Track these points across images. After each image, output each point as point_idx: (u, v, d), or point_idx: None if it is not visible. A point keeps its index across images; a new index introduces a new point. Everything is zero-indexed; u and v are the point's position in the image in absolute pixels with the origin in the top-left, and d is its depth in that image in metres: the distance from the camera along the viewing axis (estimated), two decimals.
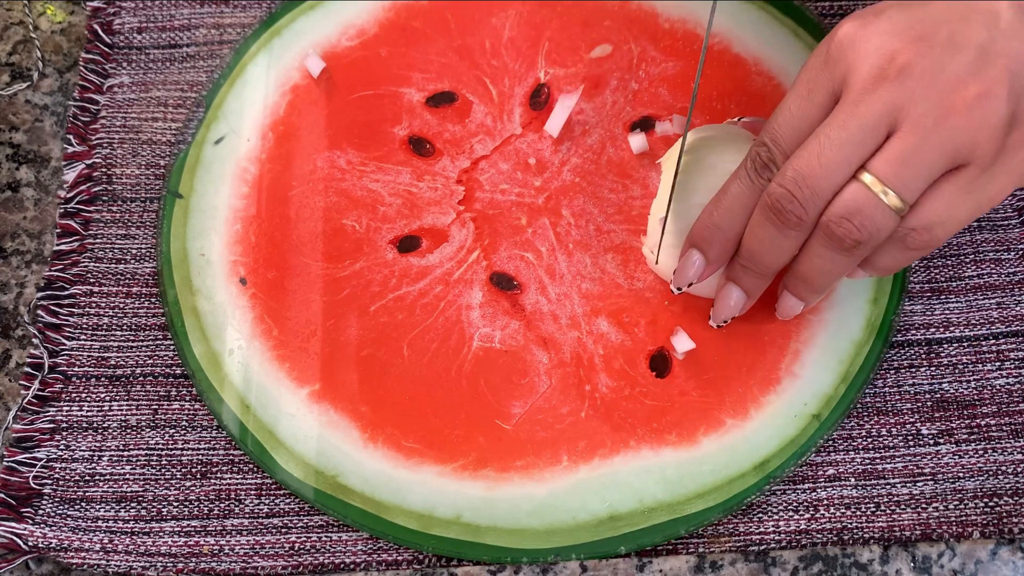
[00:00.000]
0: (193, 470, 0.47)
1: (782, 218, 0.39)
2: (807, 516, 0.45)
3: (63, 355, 0.49)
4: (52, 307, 0.50)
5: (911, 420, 0.47)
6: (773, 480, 0.46)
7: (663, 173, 0.49)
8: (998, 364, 0.48)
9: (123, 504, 0.47)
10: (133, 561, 0.45)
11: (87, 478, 0.47)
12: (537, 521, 0.46)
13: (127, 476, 0.47)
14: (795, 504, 0.46)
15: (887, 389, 0.48)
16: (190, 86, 0.54)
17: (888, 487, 0.46)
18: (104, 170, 0.53)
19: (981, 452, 0.46)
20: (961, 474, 0.46)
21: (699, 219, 0.44)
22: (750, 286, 0.45)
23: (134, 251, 0.51)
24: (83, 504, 0.46)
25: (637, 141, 0.51)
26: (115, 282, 0.51)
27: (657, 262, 0.48)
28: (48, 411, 0.48)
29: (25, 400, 0.48)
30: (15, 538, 0.45)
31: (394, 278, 0.50)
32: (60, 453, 0.47)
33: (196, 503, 0.47)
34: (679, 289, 0.46)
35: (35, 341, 0.49)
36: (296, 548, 0.46)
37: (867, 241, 0.38)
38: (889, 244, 0.39)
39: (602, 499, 0.46)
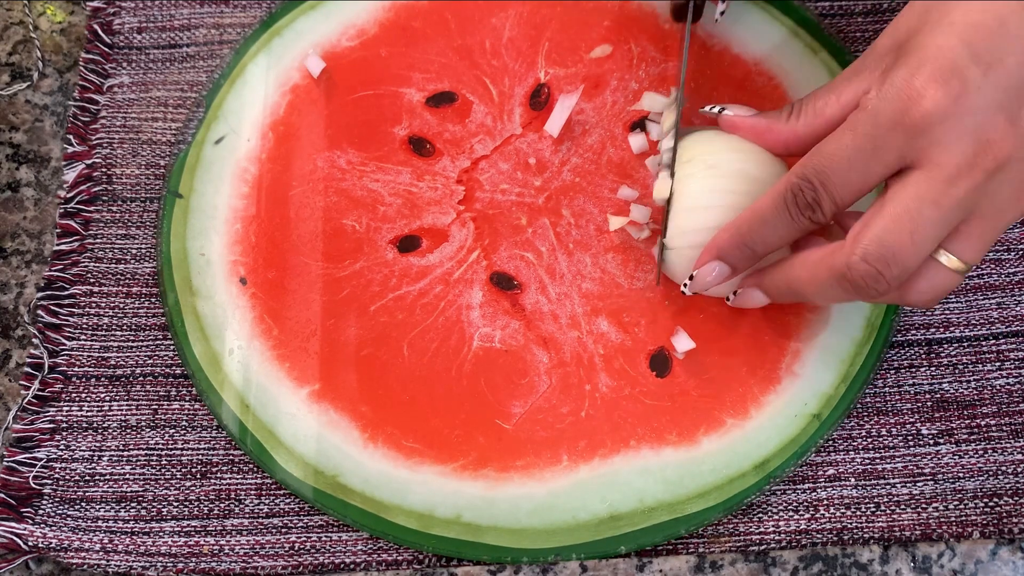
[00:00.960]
0: (193, 470, 0.47)
1: (862, 292, 0.40)
2: (807, 516, 0.45)
3: (63, 355, 0.49)
4: (52, 307, 0.50)
5: (911, 420, 0.47)
6: (773, 480, 0.46)
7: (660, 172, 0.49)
8: (998, 364, 0.48)
9: (123, 504, 0.47)
10: (133, 561, 0.45)
11: (87, 478, 0.47)
12: (537, 521, 0.46)
13: (127, 476, 0.47)
14: (795, 504, 0.46)
15: (887, 389, 0.48)
16: (190, 86, 0.54)
17: (888, 487, 0.46)
18: (104, 170, 0.53)
19: (981, 452, 0.46)
20: (961, 474, 0.46)
21: (728, 234, 0.43)
22: (779, 298, 0.45)
23: (134, 251, 0.51)
24: (83, 504, 0.46)
25: (637, 141, 0.52)
26: (115, 282, 0.51)
27: (662, 260, 0.47)
28: (48, 411, 0.48)
29: (25, 400, 0.48)
30: (15, 538, 0.45)
31: (394, 278, 0.50)
32: (60, 453, 0.47)
33: (196, 503, 0.47)
34: (694, 292, 0.46)
35: (35, 341, 0.49)
36: (296, 548, 0.46)
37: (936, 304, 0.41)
38: None
39: (602, 499, 0.46)
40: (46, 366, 0.49)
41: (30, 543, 0.45)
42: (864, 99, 0.39)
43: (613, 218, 0.50)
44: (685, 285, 0.46)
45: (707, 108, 0.47)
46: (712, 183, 0.45)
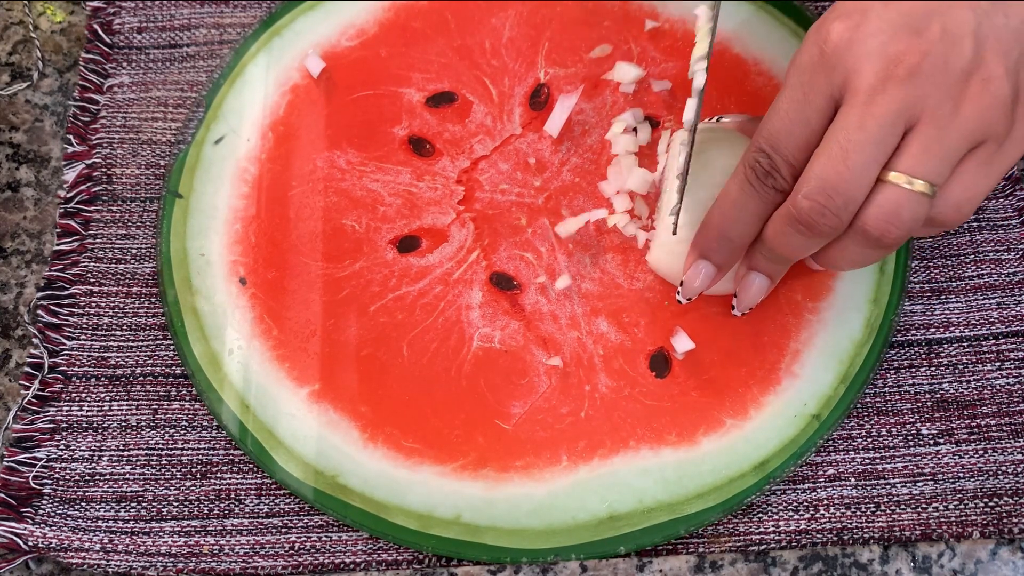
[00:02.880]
0: (193, 470, 0.47)
1: (815, 230, 0.39)
2: (807, 516, 0.45)
3: (63, 355, 0.49)
4: (52, 307, 0.50)
5: (911, 420, 0.47)
6: (773, 480, 0.46)
7: (661, 168, 0.49)
8: (998, 364, 0.48)
9: (123, 504, 0.47)
10: (133, 561, 0.45)
11: (87, 478, 0.47)
12: (537, 521, 0.46)
13: (127, 476, 0.47)
14: (795, 504, 0.46)
15: (887, 389, 0.48)
16: (190, 86, 0.54)
17: (888, 487, 0.46)
18: (104, 170, 0.53)
19: (981, 452, 0.46)
20: (961, 474, 0.46)
21: (703, 229, 0.44)
22: (771, 272, 0.45)
23: (134, 251, 0.51)
24: (83, 504, 0.47)
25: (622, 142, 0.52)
26: (115, 282, 0.51)
27: (670, 230, 0.47)
28: (48, 411, 0.48)
29: (25, 400, 0.48)
30: (15, 538, 0.45)
31: (394, 278, 0.50)
32: (60, 453, 0.47)
33: (196, 503, 0.47)
34: (688, 299, 0.46)
35: (35, 341, 0.49)
36: (296, 548, 0.46)
37: (906, 235, 0.39)
38: (921, 226, 0.40)
39: (602, 499, 0.46)
40: (46, 366, 0.49)
41: (30, 543, 0.45)
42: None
43: (612, 216, 0.50)
44: (678, 293, 0.46)
45: (709, 122, 0.49)
46: (708, 181, 0.45)
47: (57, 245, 0.51)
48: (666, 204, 0.46)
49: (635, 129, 0.51)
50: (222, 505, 0.47)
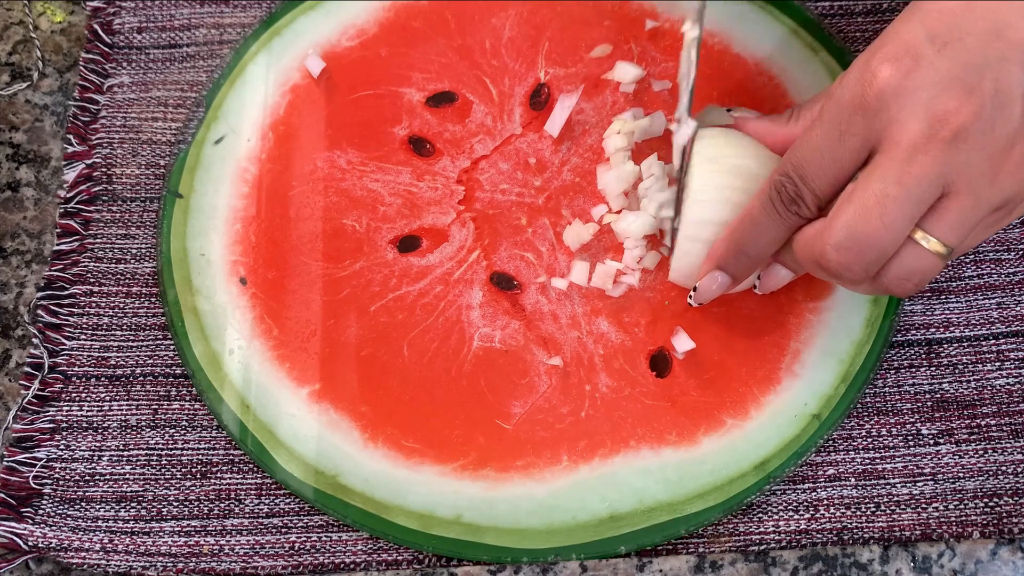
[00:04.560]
0: (193, 470, 0.47)
1: (840, 278, 0.39)
2: (807, 516, 0.45)
3: (63, 355, 0.49)
4: (52, 307, 0.50)
5: (911, 420, 0.47)
6: (773, 480, 0.46)
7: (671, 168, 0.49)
8: (998, 364, 0.48)
9: (123, 504, 0.47)
10: (133, 561, 0.45)
11: (87, 478, 0.47)
12: (537, 521, 0.46)
13: (127, 476, 0.47)
14: (795, 504, 0.46)
15: (887, 389, 0.48)
16: (190, 86, 0.54)
17: (888, 487, 0.46)
18: (104, 170, 0.53)
19: (981, 452, 0.46)
20: (961, 474, 0.46)
21: (723, 242, 0.44)
22: (796, 270, 0.45)
23: (134, 251, 0.51)
24: (83, 504, 0.46)
25: (608, 176, 0.51)
26: (115, 282, 0.51)
27: (685, 246, 0.47)
28: (48, 411, 0.48)
29: (25, 400, 0.48)
30: (15, 538, 0.45)
31: (394, 278, 0.50)
32: (60, 453, 0.47)
33: (196, 503, 0.47)
34: (700, 304, 0.46)
35: (35, 341, 0.49)
36: (296, 548, 0.46)
37: (918, 290, 0.39)
38: None
39: (602, 499, 0.46)
40: (46, 366, 0.49)
41: (30, 543, 0.45)
42: (831, 89, 0.39)
43: (611, 216, 0.50)
44: (690, 298, 0.46)
45: (721, 109, 0.48)
46: (710, 179, 0.45)
47: (57, 245, 0.51)
48: (684, 221, 0.46)
49: (633, 132, 0.51)
50: (222, 505, 0.47)
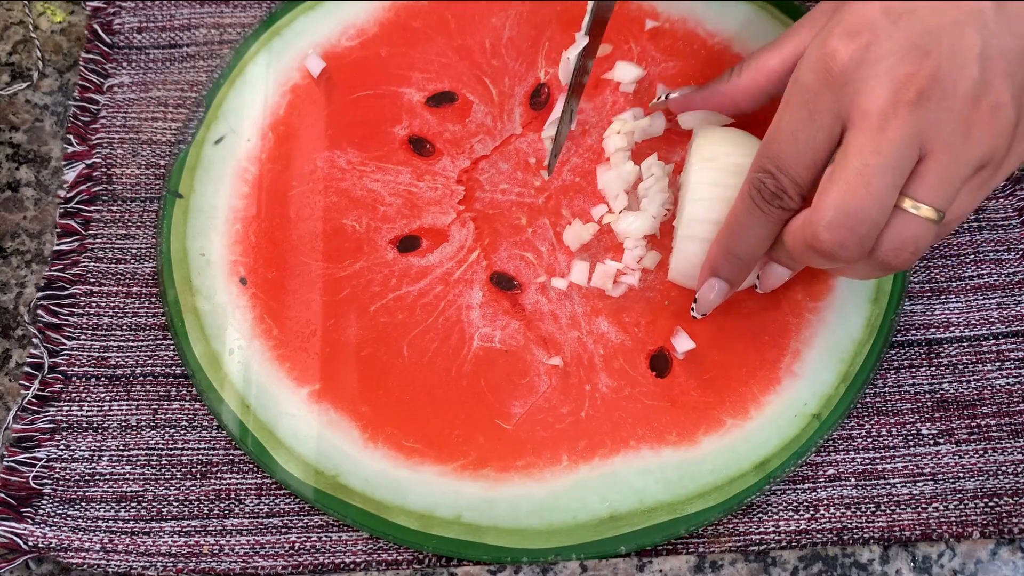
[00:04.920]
0: (193, 470, 0.47)
1: (835, 259, 0.39)
2: (807, 516, 0.45)
3: (63, 355, 0.49)
4: (52, 307, 0.50)
5: (911, 420, 0.47)
6: (773, 480, 0.46)
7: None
8: (998, 364, 0.48)
9: (123, 504, 0.47)
10: (133, 561, 0.45)
11: (87, 478, 0.47)
12: (537, 521, 0.46)
13: (127, 476, 0.47)
14: (795, 504, 0.46)
15: (887, 389, 0.48)
16: (190, 86, 0.54)
17: (888, 487, 0.46)
18: (104, 170, 0.53)
19: (981, 452, 0.46)
20: (961, 474, 0.46)
21: (715, 248, 0.44)
22: (792, 267, 0.45)
23: (134, 251, 0.51)
24: (83, 504, 0.46)
25: (607, 176, 0.51)
26: (115, 282, 0.51)
27: (685, 245, 0.47)
28: (48, 411, 0.48)
29: (25, 400, 0.48)
30: (15, 538, 0.45)
31: (394, 278, 0.50)
32: (60, 453, 0.47)
33: (196, 503, 0.47)
34: (703, 314, 0.46)
35: (35, 341, 0.49)
36: (296, 548, 0.46)
37: (915, 259, 0.39)
38: None
39: (602, 499, 0.46)
40: (46, 366, 0.49)
41: (30, 543, 0.45)
42: (794, 72, 0.40)
43: (610, 216, 0.50)
44: (693, 310, 0.46)
45: (655, 101, 0.49)
46: (706, 176, 0.45)
47: (57, 245, 0.51)
48: (682, 221, 0.46)
49: (633, 132, 0.51)
50: (222, 505, 0.47)
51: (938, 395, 0.47)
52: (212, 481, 0.47)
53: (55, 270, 0.51)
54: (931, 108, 0.37)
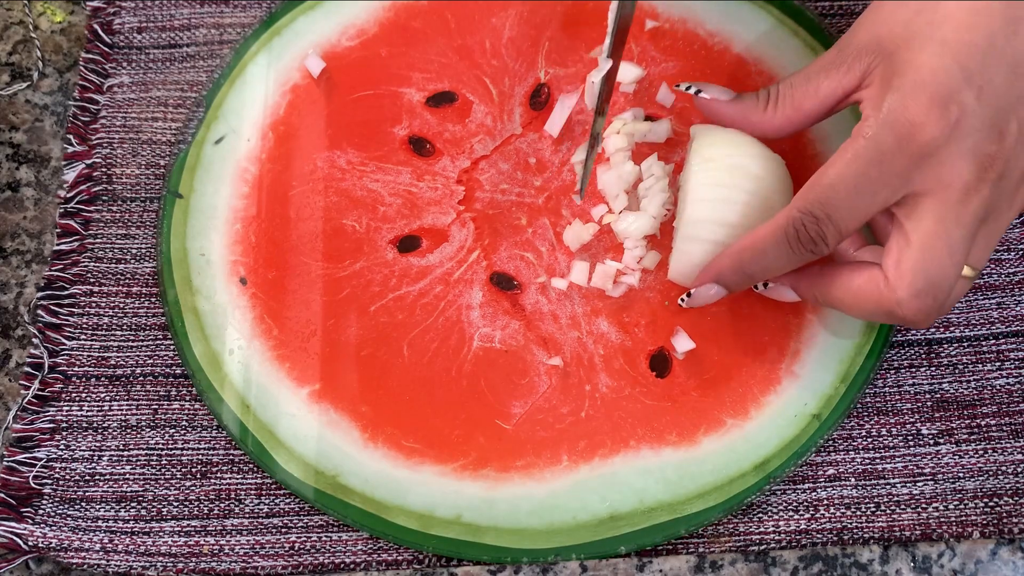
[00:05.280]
0: (193, 470, 0.47)
1: (916, 325, 0.41)
2: (807, 516, 0.45)
3: (63, 355, 0.49)
4: (52, 307, 0.50)
5: (911, 420, 0.47)
6: (773, 480, 0.46)
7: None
8: (998, 364, 0.48)
9: (123, 504, 0.47)
10: (133, 561, 0.45)
11: (87, 478, 0.47)
12: (537, 521, 0.46)
13: (127, 476, 0.47)
14: (795, 504, 0.46)
15: (887, 389, 0.48)
16: (190, 86, 0.54)
17: (888, 487, 0.46)
18: (104, 170, 0.53)
19: (981, 452, 0.46)
20: (961, 474, 0.46)
21: (727, 260, 0.44)
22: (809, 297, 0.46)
23: (134, 251, 0.51)
24: (83, 504, 0.46)
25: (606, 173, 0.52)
26: (115, 282, 0.51)
27: (685, 245, 0.47)
28: (48, 411, 0.48)
29: (25, 400, 0.48)
30: (15, 538, 0.45)
31: (394, 278, 0.50)
32: (60, 453, 0.47)
33: (196, 503, 0.47)
34: (690, 307, 0.47)
35: (35, 341, 0.49)
36: (296, 548, 0.46)
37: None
38: None
39: (602, 499, 0.46)
40: (46, 366, 0.49)
41: (30, 543, 0.45)
42: (862, 126, 0.39)
43: (611, 217, 0.50)
44: (682, 300, 0.46)
45: (682, 85, 0.47)
46: (706, 176, 0.45)
47: (57, 245, 0.51)
48: (682, 221, 0.46)
49: (631, 133, 0.51)
50: (222, 505, 0.47)
51: (938, 395, 0.47)
52: (212, 481, 0.47)
53: (55, 270, 0.51)
54: (1000, 186, 0.39)
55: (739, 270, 0.43)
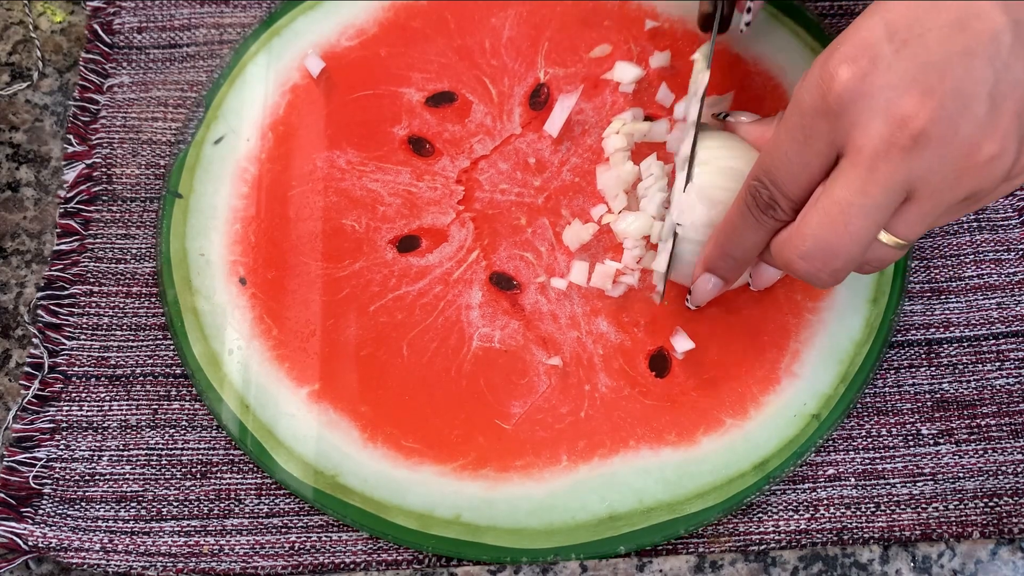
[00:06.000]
0: (193, 470, 0.47)
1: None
2: (807, 516, 0.45)
3: (63, 355, 0.49)
4: (52, 307, 0.50)
5: (911, 420, 0.47)
6: (773, 480, 0.46)
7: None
8: (998, 364, 0.48)
9: (123, 504, 0.47)
10: (133, 561, 0.45)
11: (87, 478, 0.47)
12: (537, 521, 0.46)
13: (127, 476, 0.47)
14: (795, 504, 0.46)
15: (887, 389, 0.48)
16: (190, 86, 0.54)
17: (888, 487, 0.46)
18: (104, 170, 0.53)
19: (981, 452, 0.46)
20: (961, 474, 0.46)
21: (711, 245, 0.44)
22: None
23: (134, 251, 0.51)
24: (83, 504, 0.47)
25: (606, 176, 0.51)
26: (115, 282, 0.51)
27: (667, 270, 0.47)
28: (48, 411, 0.48)
29: (25, 400, 0.48)
30: (15, 538, 0.45)
31: (394, 278, 0.50)
32: (60, 453, 0.47)
33: (196, 503, 0.47)
34: (697, 306, 0.47)
35: (35, 341, 0.49)
36: (296, 548, 0.46)
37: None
38: None
39: (602, 499, 0.46)
40: (46, 366, 0.49)
41: (30, 543, 0.45)
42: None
43: (610, 216, 0.50)
44: (688, 299, 0.47)
45: (715, 109, 0.48)
46: (701, 181, 0.45)
47: (57, 245, 0.51)
48: (675, 218, 0.46)
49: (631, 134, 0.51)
50: (222, 505, 0.47)
51: (938, 395, 0.47)
52: (212, 481, 0.47)
53: (55, 270, 0.51)
54: (926, 156, 0.35)
55: (722, 252, 0.43)
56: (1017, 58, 0.34)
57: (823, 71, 0.36)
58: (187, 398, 0.49)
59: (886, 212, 0.36)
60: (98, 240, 0.51)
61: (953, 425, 0.47)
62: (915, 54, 0.34)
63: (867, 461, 0.46)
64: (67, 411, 0.48)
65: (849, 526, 0.45)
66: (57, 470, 0.47)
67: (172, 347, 0.49)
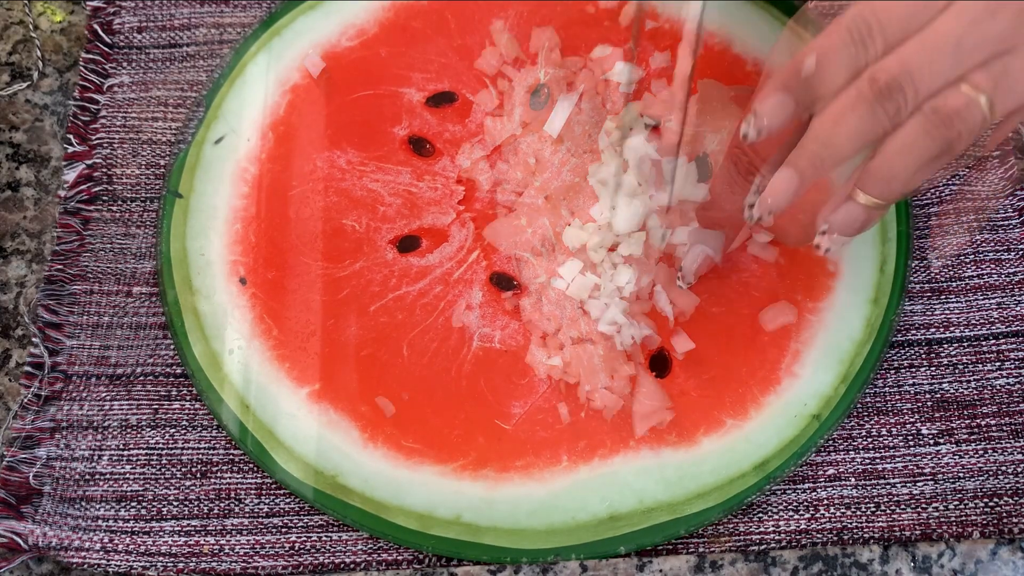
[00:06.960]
0: (193, 470, 0.47)
1: (882, 110, 0.36)
2: (807, 516, 0.45)
3: (63, 354, 0.49)
4: (52, 306, 0.50)
5: (911, 420, 0.47)
6: (773, 480, 0.46)
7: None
8: (998, 364, 0.48)
9: (123, 504, 0.47)
10: (133, 561, 0.45)
11: (87, 477, 0.47)
12: (537, 521, 0.46)
13: (127, 476, 0.47)
14: (795, 504, 0.46)
15: (887, 389, 0.48)
16: (190, 86, 0.54)
17: (888, 487, 0.46)
18: (104, 170, 0.53)
19: (981, 452, 0.46)
20: (961, 474, 0.46)
21: (810, 144, 0.38)
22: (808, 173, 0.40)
23: (134, 250, 0.51)
24: (83, 503, 0.47)
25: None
26: (115, 281, 0.51)
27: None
28: (48, 410, 0.48)
29: (25, 399, 0.48)
30: (15, 537, 0.45)
31: (394, 278, 0.50)
32: (60, 452, 0.47)
33: (196, 503, 0.47)
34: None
35: (35, 340, 0.49)
36: (296, 548, 0.46)
37: (968, 137, 0.37)
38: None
39: (602, 499, 0.46)
40: (46, 365, 0.49)
41: (30, 542, 0.45)
42: None
43: (611, 213, 0.50)
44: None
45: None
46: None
47: (57, 244, 0.51)
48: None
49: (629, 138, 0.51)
50: (222, 505, 0.47)
51: (938, 395, 0.47)
52: (212, 481, 0.47)
53: (55, 269, 0.51)
54: (891, 105, 0.35)
55: (825, 149, 0.38)
56: (991, 14, 0.35)
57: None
58: (187, 398, 0.49)
59: (848, 173, 0.36)
60: (98, 240, 0.51)
61: (953, 425, 0.47)
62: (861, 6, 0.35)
63: (867, 461, 0.46)
64: (67, 410, 0.48)
65: (849, 526, 0.45)
66: (57, 469, 0.47)
67: (172, 347, 0.49)
